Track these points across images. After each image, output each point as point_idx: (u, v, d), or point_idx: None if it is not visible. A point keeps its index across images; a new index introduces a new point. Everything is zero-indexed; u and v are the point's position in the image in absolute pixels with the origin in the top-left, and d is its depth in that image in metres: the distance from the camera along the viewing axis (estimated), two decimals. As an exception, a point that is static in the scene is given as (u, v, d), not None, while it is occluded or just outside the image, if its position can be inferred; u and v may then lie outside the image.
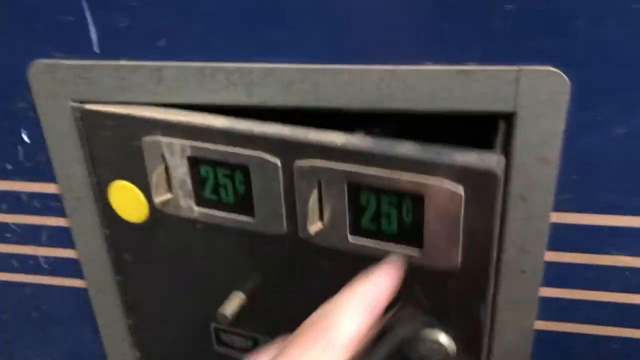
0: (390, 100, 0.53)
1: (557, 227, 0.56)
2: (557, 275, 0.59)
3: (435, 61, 0.51)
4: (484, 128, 0.60)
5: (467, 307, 0.53)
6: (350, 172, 0.51)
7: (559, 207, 0.55)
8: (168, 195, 0.58)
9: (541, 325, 0.61)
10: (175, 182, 0.57)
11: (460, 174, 0.48)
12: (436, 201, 0.49)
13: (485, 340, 0.56)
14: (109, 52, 0.56)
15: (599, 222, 0.56)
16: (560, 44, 0.49)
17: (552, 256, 0.58)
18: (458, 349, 0.54)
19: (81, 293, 0.72)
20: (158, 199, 0.57)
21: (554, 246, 0.57)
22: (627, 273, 0.57)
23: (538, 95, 0.50)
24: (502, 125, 0.54)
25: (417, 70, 0.51)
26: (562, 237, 0.57)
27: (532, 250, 0.57)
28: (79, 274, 0.71)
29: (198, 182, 0.57)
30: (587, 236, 0.56)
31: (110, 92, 0.58)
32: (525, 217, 0.55)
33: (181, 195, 0.58)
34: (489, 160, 0.48)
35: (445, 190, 0.48)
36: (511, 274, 0.58)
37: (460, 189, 0.48)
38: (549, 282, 0.59)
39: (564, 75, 0.49)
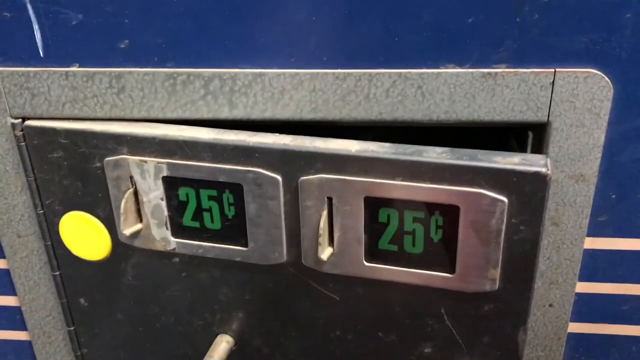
0: (401, 110, 0.45)
1: (590, 254, 0.49)
2: (589, 308, 0.51)
3: (457, 63, 0.43)
4: (497, 140, 0.53)
5: (504, 333, 0.46)
6: (368, 185, 0.42)
7: (593, 231, 0.48)
8: (138, 225, 0.48)
9: (569, 365, 0.54)
10: (147, 209, 0.47)
11: (503, 179, 0.40)
12: (474, 212, 0.41)
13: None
14: (57, 56, 0.46)
15: (637, 248, 0.48)
16: (602, 42, 0.42)
17: (583, 287, 0.50)
18: None
19: (23, 347, 0.61)
20: (127, 230, 0.47)
21: (586, 276, 0.50)
22: (668, 304, 0.50)
23: (576, 102, 0.43)
24: (531, 138, 0.46)
25: (436, 74, 0.43)
26: (596, 266, 0.49)
27: (562, 281, 0.49)
28: (20, 325, 0.59)
29: (176, 208, 0.47)
30: (624, 264, 0.49)
31: (59, 106, 0.47)
32: (556, 243, 0.48)
33: (154, 224, 0.48)
34: (535, 161, 0.40)
35: (486, 198, 0.41)
36: (537, 309, 0.51)
37: (503, 196, 0.40)
38: (579, 317, 0.52)
39: (606, 78, 0.42)
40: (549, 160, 0.41)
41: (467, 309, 0.45)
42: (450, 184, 0.41)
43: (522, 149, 0.49)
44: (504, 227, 0.41)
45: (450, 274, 0.44)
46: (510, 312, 0.45)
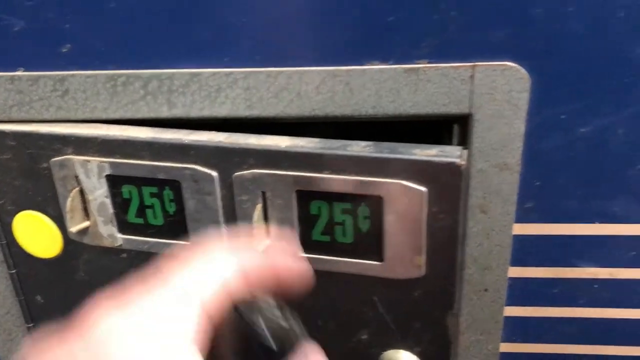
0: (332, 106, 0.47)
1: (520, 240, 0.51)
2: (522, 292, 0.54)
3: (381, 59, 0.45)
4: (435, 133, 0.55)
5: (433, 318, 0.48)
6: (298, 178, 0.45)
7: (521, 217, 0.50)
8: (85, 223, 0.50)
9: (507, 347, 0.56)
10: (93, 207, 0.49)
11: (421, 170, 0.43)
12: (397, 202, 0.43)
13: (454, 354, 0.51)
14: (2, 61, 0.48)
15: (564, 232, 0.51)
16: (517, 36, 0.44)
17: (516, 272, 0.53)
18: None
19: (-15, 344, 0.63)
20: (74, 228, 0.49)
21: (517, 261, 0.52)
22: (596, 286, 0.53)
23: (495, 94, 0.45)
24: (456, 129, 0.49)
25: (362, 70, 0.46)
26: (526, 251, 0.52)
27: (495, 266, 0.52)
28: (-20, 323, 0.61)
29: (120, 205, 0.49)
30: (552, 248, 0.52)
31: (6, 109, 0.49)
32: (486, 230, 0.50)
33: (101, 221, 0.50)
34: (451, 153, 0.43)
35: (406, 188, 0.43)
36: (473, 294, 0.53)
37: (422, 187, 0.43)
38: (514, 301, 0.54)
39: (523, 70, 0.45)
40: (465, 152, 0.43)
41: (398, 296, 0.47)
42: (373, 176, 0.43)
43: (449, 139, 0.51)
44: (424, 216, 0.44)
45: (379, 262, 0.46)
46: (438, 297, 0.47)
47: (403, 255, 0.45)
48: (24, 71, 0.48)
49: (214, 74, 0.47)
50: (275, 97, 0.47)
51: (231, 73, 0.47)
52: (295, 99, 0.47)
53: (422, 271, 0.45)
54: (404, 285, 0.47)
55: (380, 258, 0.46)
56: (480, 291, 0.53)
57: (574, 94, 0.46)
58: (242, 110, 0.48)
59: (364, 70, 0.46)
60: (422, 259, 0.45)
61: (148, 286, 0.29)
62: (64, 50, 0.47)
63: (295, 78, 0.46)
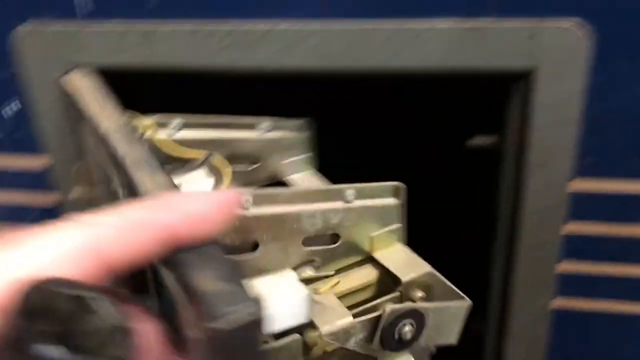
0: (398, 59, 0.49)
1: (577, 195, 0.53)
2: (578, 247, 0.55)
3: (445, 16, 0.47)
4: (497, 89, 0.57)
5: None
6: None
7: (579, 173, 0.52)
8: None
9: (560, 303, 0.58)
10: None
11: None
12: None
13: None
14: (97, 15, 0.52)
15: (623, 189, 0.52)
16: (580, -7, 0.45)
17: (572, 227, 0.54)
18: None
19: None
20: None
21: (574, 216, 0.54)
22: (652, 244, 0.54)
23: (556, 51, 0.47)
24: (517, 86, 0.50)
25: (428, 27, 0.48)
26: (583, 206, 0.53)
27: (551, 220, 0.53)
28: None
29: None
30: (610, 204, 0.53)
31: (99, 55, 0.54)
32: (544, 184, 0.52)
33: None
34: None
35: None
36: (529, 248, 0.55)
37: None
38: (569, 255, 0.55)
39: (586, 27, 0.46)
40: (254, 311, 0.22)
41: None
42: None
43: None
44: None
45: None
46: None
47: None
48: (115, 25, 0.52)
49: (287, 29, 0.50)
50: (345, 51, 0.50)
51: (302, 29, 0.49)
52: (363, 53, 0.49)
53: None
54: None
55: None
56: (536, 245, 0.55)
57: (635, 52, 0.46)
58: (313, 63, 0.51)
59: (431, 24, 0.48)
60: None
61: None
62: (150, 5, 0.51)
63: (365, 32, 0.49)
